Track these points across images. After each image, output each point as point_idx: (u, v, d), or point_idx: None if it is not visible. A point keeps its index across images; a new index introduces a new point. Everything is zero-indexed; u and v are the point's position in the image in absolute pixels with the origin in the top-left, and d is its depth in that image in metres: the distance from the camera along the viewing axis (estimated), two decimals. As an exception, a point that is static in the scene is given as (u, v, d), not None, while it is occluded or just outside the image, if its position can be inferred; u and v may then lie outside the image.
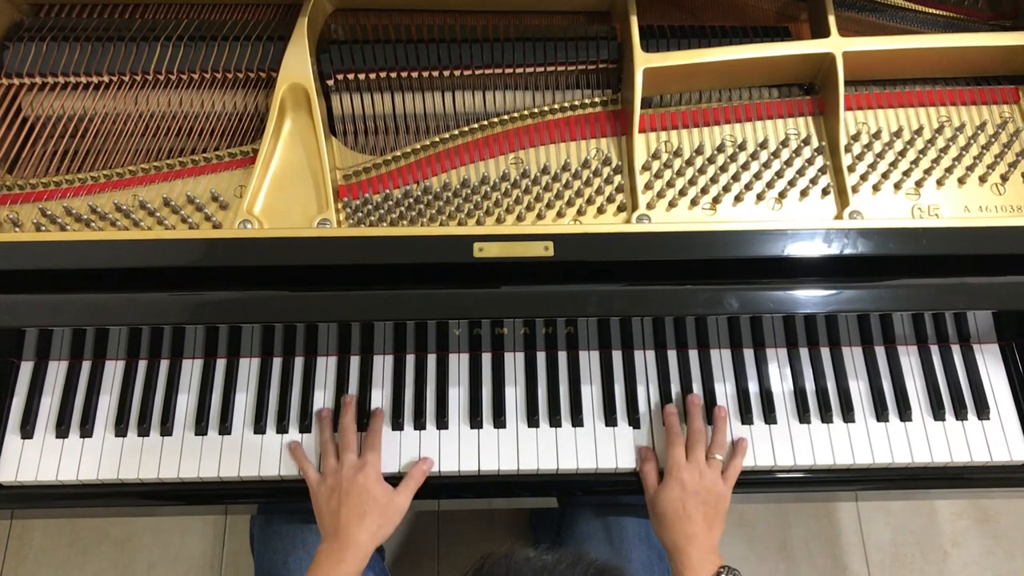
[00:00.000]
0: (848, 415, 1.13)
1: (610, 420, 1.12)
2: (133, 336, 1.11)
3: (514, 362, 1.16)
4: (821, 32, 1.15)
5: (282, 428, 1.11)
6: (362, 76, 1.14)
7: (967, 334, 1.17)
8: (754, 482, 1.12)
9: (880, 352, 1.17)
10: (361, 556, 0.99)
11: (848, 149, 1.13)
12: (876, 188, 1.12)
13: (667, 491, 1.04)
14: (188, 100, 1.15)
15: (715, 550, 1.01)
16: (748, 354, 1.17)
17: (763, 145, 1.13)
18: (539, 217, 1.09)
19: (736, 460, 1.08)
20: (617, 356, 1.17)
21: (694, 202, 1.10)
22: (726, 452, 1.09)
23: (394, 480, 1.07)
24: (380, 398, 1.14)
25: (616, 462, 1.10)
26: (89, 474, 1.08)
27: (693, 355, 1.17)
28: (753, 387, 1.15)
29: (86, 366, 1.14)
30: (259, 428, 1.11)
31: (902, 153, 1.13)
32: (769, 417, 1.13)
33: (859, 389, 1.15)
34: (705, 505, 1.02)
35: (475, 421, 1.12)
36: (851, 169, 1.12)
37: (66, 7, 1.20)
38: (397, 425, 1.12)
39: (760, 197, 1.11)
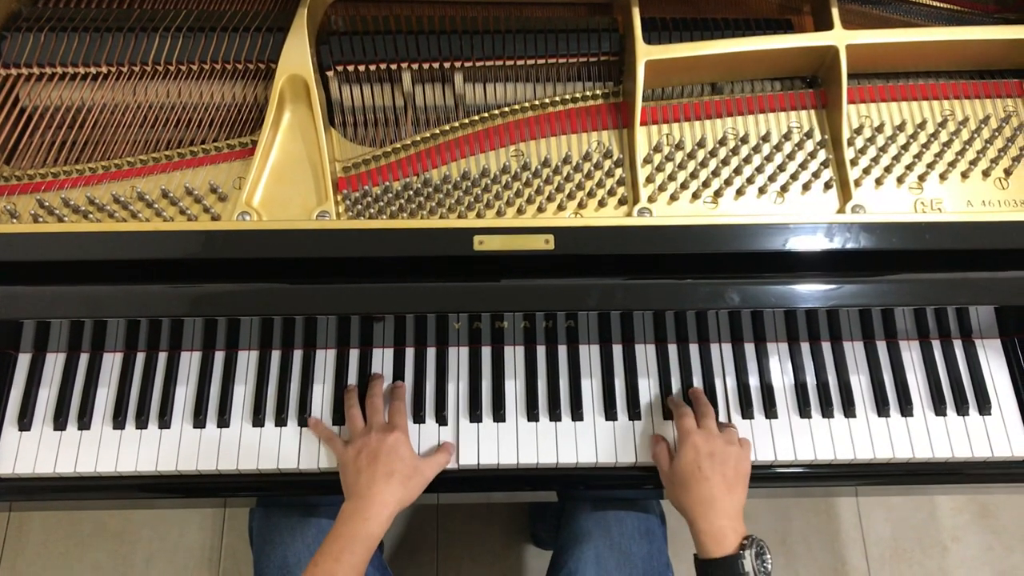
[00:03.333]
0: (849, 410, 1.12)
1: (610, 414, 1.12)
2: (131, 328, 1.11)
3: (514, 356, 1.16)
4: (824, 25, 1.15)
5: (280, 421, 1.11)
6: (362, 67, 1.13)
7: (969, 329, 1.17)
8: (754, 476, 1.11)
9: (882, 347, 1.17)
10: (386, 516, 0.99)
11: (851, 143, 1.12)
12: (879, 182, 1.11)
13: (681, 457, 1.02)
14: (187, 91, 1.14)
15: (738, 516, 0.97)
16: (749, 348, 1.17)
17: (765, 138, 1.12)
18: (540, 210, 1.08)
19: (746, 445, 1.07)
20: (617, 350, 1.16)
21: (696, 195, 1.10)
22: (737, 431, 1.08)
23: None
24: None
25: (616, 456, 1.10)
26: (87, 467, 1.08)
27: (694, 349, 1.17)
28: (754, 381, 1.15)
29: (84, 358, 1.14)
30: (258, 421, 1.11)
31: (905, 147, 1.12)
32: (770, 412, 1.12)
33: (860, 384, 1.15)
34: (723, 466, 1.00)
35: (474, 415, 1.12)
36: (854, 163, 1.11)
37: (64, -3, 1.20)
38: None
39: (762, 191, 1.10)
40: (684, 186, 1.10)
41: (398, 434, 1.05)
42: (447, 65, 1.14)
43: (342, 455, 1.06)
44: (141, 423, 1.10)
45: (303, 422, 1.11)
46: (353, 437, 1.07)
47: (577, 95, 1.16)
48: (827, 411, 1.13)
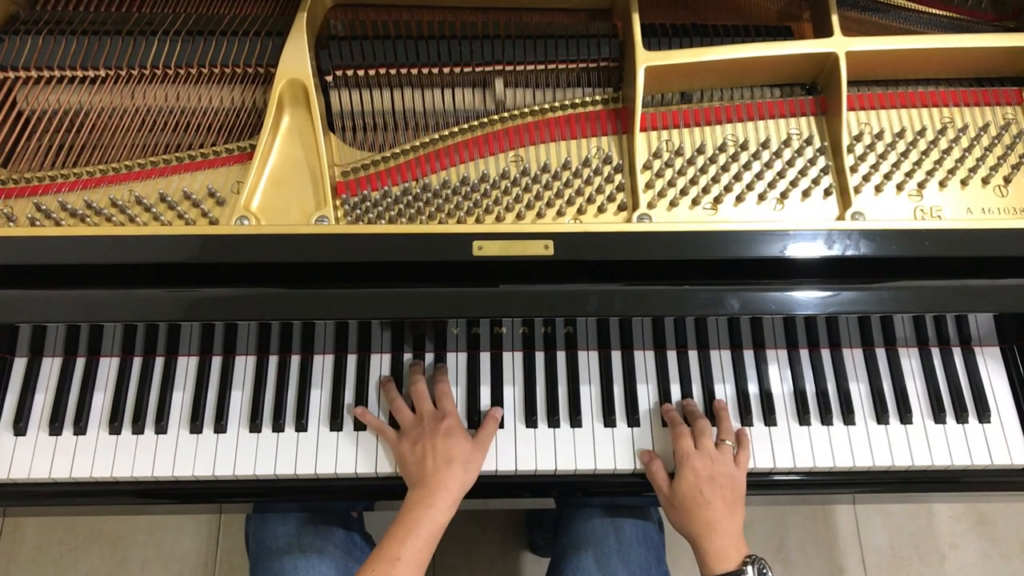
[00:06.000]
0: (848, 417, 1.12)
1: (609, 421, 1.11)
2: (128, 333, 1.10)
3: (512, 362, 1.15)
4: (824, 31, 1.15)
5: (278, 427, 1.10)
6: (361, 72, 1.13)
7: (968, 336, 1.16)
8: (753, 484, 1.10)
9: (881, 354, 1.17)
10: (451, 501, 1.00)
11: (850, 149, 1.12)
12: (878, 189, 1.11)
13: (682, 481, 1.02)
14: (185, 95, 1.14)
15: (739, 536, 0.99)
16: (748, 355, 1.17)
17: (765, 145, 1.12)
18: (539, 216, 1.08)
19: (743, 449, 1.07)
20: (616, 356, 1.16)
21: (695, 202, 1.09)
22: (734, 438, 1.08)
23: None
24: (375, 398, 1.13)
25: (615, 463, 1.09)
26: (83, 472, 1.07)
27: (693, 356, 1.17)
28: (753, 388, 1.15)
29: (80, 363, 1.13)
30: (255, 427, 1.10)
31: (905, 154, 1.12)
32: (769, 419, 1.12)
33: (859, 391, 1.15)
34: (723, 489, 1.01)
35: (472, 421, 1.11)
36: (853, 170, 1.11)
37: (63, 0, 1.19)
38: (394, 425, 1.11)
39: (762, 197, 1.10)
40: (684, 192, 1.10)
41: (450, 420, 1.05)
42: (446, 70, 1.13)
43: (397, 447, 1.06)
44: (137, 428, 1.10)
45: (301, 427, 1.10)
46: (405, 429, 1.07)
47: (577, 101, 1.15)
48: (826, 418, 1.12)
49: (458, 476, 1.01)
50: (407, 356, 1.15)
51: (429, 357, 1.15)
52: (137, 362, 1.14)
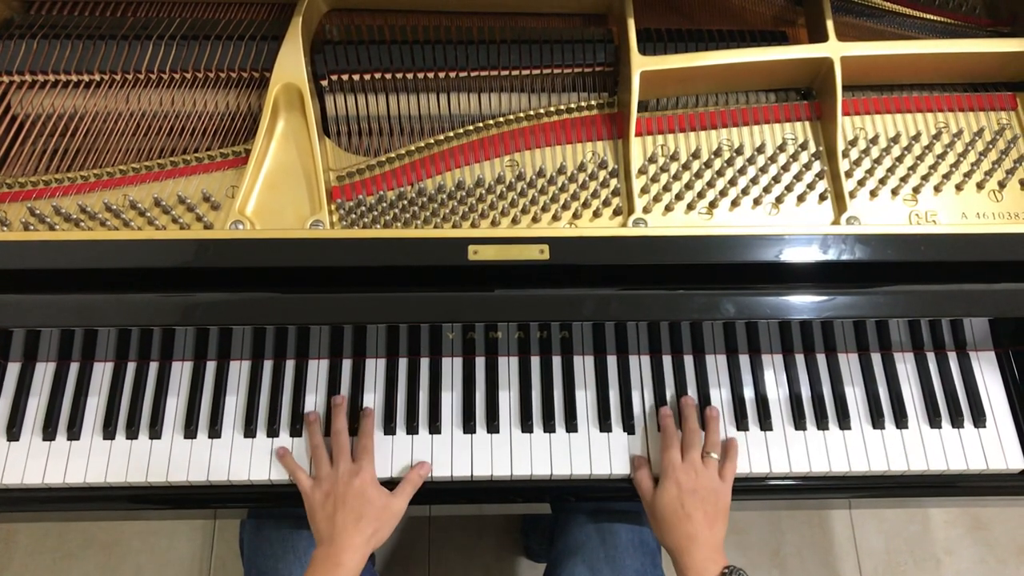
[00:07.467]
0: (844, 422, 1.12)
1: (604, 426, 1.11)
2: (122, 337, 1.10)
3: (508, 366, 1.15)
4: (819, 37, 1.15)
5: (272, 432, 1.10)
6: (356, 77, 1.13)
7: (963, 341, 1.16)
8: (749, 489, 1.11)
9: (876, 359, 1.17)
10: (357, 560, 0.98)
11: (845, 154, 1.13)
12: (873, 194, 1.11)
13: (664, 492, 1.02)
14: (180, 99, 1.14)
15: (719, 548, 0.99)
16: (744, 360, 1.17)
17: (760, 150, 1.13)
18: (534, 220, 1.08)
19: (730, 461, 1.07)
20: (612, 361, 1.16)
21: (690, 206, 1.10)
22: (720, 450, 1.08)
23: (387, 485, 1.06)
24: (372, 402, 1.13)
25: (610, 468, 1.09)
26: (76, 477, 1.07)
27: (688, 360, 1.17)
28: (749, 393, 1.14)
29: (74, 368, 1.13)
30: (249, 432, 1.10)
31: (900, 159, 1.13)
32: (765, 424, 1.12)
33: (855, 396, 1.14)
34: (704, 503, 1.01)
35: (468, 426, 1.11)
36: (848, 174, 1.12)
37: (57, 4, 1.19)
38: (389, 430, 1.10)
39: (757, 202, 1.10)
40: (679, 197, 1.10)
41: (364, 476, 1.03)
42: (442, 75, 1.14)
43: (309, 497, 1.03)
44: (131, 433, 1.09)
45: (296, 432, 1.10)
46: (319, 477, 1.04)
47: (572, 105, 1.16)
48: (822, 423, 1.12)
49: (366, 535, 0.99)
50: (402, 361, 1.15)
51: (424, 362, 1.15)
52: (131, 367, 1.14)
